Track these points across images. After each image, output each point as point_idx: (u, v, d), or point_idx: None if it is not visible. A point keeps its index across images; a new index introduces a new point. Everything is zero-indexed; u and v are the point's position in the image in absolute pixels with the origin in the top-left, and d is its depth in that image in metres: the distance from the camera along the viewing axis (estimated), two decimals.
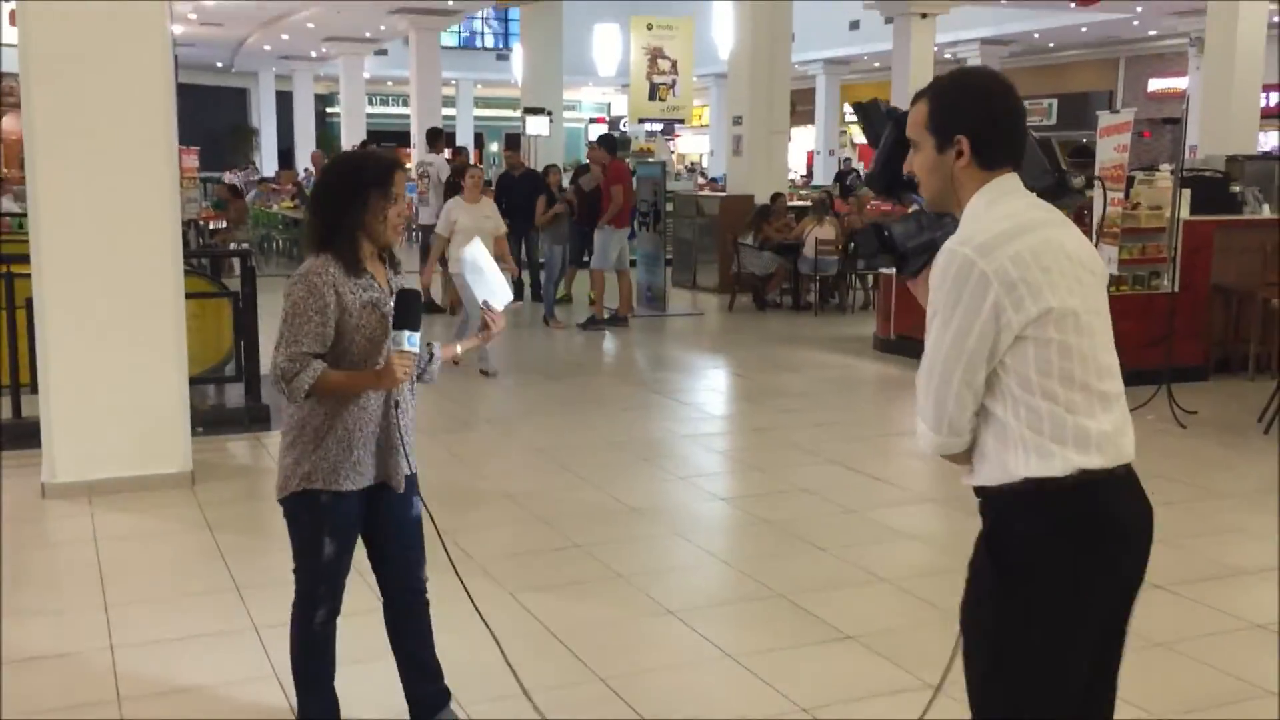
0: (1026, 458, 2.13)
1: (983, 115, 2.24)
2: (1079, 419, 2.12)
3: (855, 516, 5.77)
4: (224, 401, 7.79)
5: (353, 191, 2.97)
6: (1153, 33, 26.69)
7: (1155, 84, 28.46)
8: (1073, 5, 20.13)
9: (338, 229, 2.98)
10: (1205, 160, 11.20)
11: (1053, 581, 2.14)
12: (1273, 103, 22.39)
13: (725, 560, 5.28)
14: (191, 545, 5.24)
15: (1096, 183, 7.20)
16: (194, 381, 6.80)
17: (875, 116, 2.59)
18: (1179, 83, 27.10)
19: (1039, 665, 2.17)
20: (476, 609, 3.27)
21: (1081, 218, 7.66)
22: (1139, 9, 22.76)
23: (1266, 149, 20.10)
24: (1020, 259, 2.10)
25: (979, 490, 2.24)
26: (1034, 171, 2.31)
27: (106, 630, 4.25)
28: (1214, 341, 9.24)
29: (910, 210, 2.48)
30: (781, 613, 4.51)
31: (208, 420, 7.13)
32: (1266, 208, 9.87)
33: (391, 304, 3.05)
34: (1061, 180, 2.36)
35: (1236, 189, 9.73)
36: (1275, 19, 18.92)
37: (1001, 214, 2.18)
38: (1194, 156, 12.27)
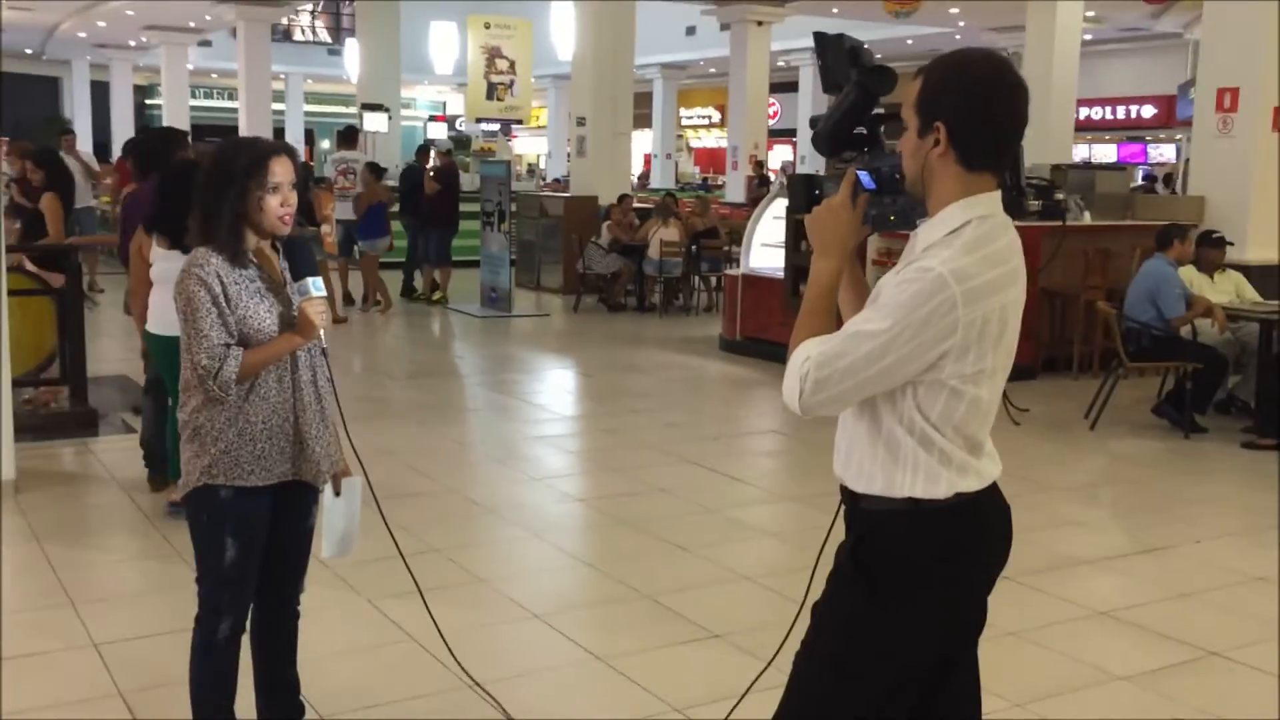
0: (914, 478, 2.09)
1: (969, 105, 2.03)
2: (962, 453, 2.12)
3: (714, 515, 5.80)
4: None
5: (228, 180, 2.84)
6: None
7: None
8: (894, 20, 20.89)
9: (217, 219, 2.84)
10: (1030, 169, 11.70)
11: (925, 602, 2.14)
12: (1083, 117, 23.67)
13: (588, 562, 5.23)
14: (19, 558, 4.91)
15: None
16: (15, 384, 6.38)
17: (836, 58, 2.24)
18: None
19: (883, 674, 2.18)
20: (437, 628, 3.14)
21: None
22: (961, 24, 23.74)
23: (1080, 159, 21.23)
24: (990, 319, 2.03)
25: (855, 495, 2.18)
26: None
27: None
28: (1041, 342, 9.68)
29: (847, 169, 2.25)
30: (648, 613, 4.49)
31: (31, 426, 6.70)
32: (1088, 214, 10.39)
33: (287, 271, 2.95)
34: (1018, 201, 2.21)
35: (1060, 196, 10.19)
36: (1087, 37, 20.03)
37: (990, 255, 2.04)
38: None
